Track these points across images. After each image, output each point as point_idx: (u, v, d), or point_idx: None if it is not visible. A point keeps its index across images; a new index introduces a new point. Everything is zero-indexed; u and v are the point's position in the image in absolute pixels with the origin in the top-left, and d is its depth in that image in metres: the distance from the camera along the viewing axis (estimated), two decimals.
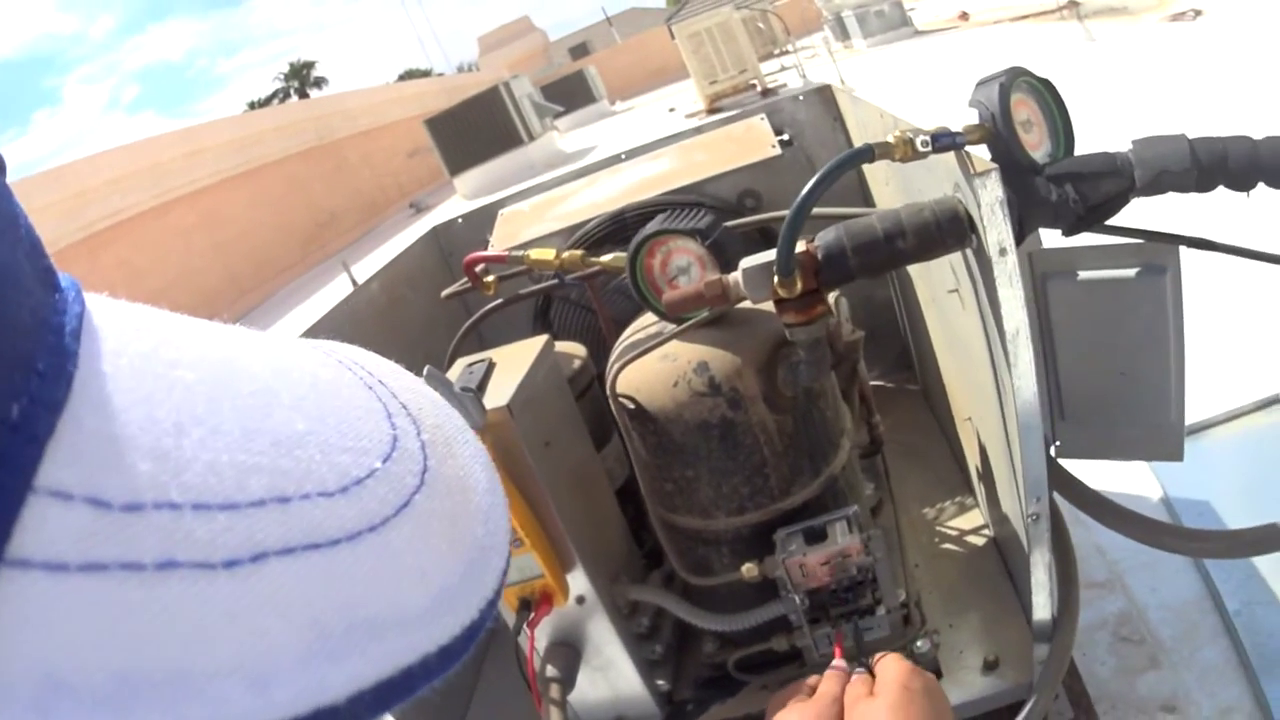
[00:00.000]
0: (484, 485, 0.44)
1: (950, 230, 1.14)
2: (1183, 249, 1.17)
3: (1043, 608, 1.32)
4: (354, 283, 2.13)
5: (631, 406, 1.47)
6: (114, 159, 15.52)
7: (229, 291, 15.44)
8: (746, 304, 1.36)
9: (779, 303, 1.25)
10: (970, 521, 1.86)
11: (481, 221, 2.55)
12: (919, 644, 1.51)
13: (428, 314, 2.32)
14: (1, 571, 0.26)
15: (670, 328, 1.49)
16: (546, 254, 1.74)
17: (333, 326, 1.93)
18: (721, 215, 1.57)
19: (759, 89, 14.48)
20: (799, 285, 1.20)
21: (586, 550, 1.50)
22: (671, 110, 17.10)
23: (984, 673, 1.50)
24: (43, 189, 13.66)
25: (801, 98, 2.41)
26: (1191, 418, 2.41)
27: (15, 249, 0.30)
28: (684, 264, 1.49)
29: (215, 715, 0.28)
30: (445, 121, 17.22)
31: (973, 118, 1.18)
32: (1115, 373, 1.27)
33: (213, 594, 0.29)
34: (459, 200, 16.46)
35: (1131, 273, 1.19)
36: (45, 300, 0.31)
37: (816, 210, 1.20)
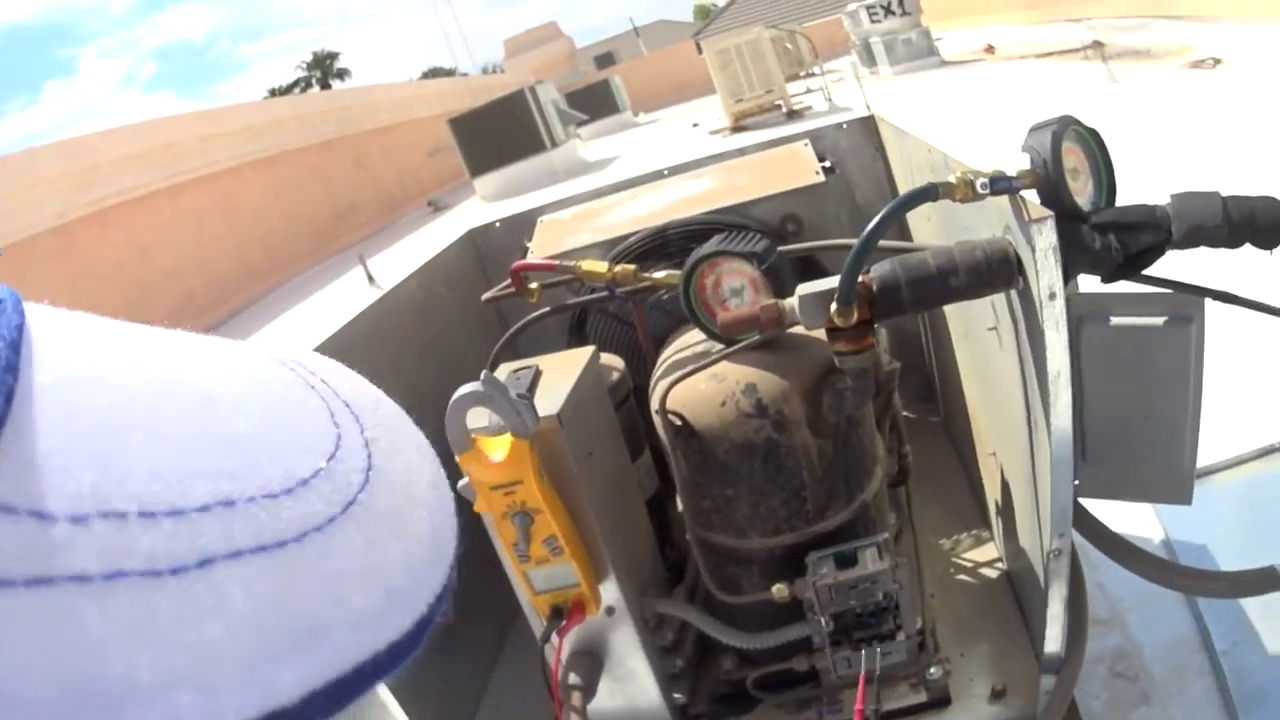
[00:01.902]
0: (429, 480, 0.43)
1: (1000, 271, 1.17)
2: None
3: (1054, 640, 1.36)
4: (370, 277, 2.17)
5: (678, 423, 1.49)
6: (128, 135, 15.32)
7: (240, 276, 15.35)
8: (796, 329, 1.37)
9: (831, 331, 1.28)
10: (985, 554, 1.90)
11: (519, 227, 2.57)
12: (932, 671, 1.55)
13: (460, 316, 2.34)
14: None
15: (718, 347, 1.51)
16: (599, 266, 1.75)
17: (370, 321, 1.95)
18: (775, 240, 1.59)
19: (784, 109, 14.44)
20: (855, 315, 1.22)
21: (619, 561, 1.52)
22: (695, 125, 16.97)
23: (991, 701, 1.54)
24: (53, 160, 13.47)
25: (845, 125, 2.43)
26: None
27: None
28: (737, 286, 1.51)
29: None
30: (469, 122, 17.11)
31: (1001, 155, 1.21)
32: (1136, 417, 1.30)
33: (161, 602, 0.29)
34: (478, 202, 16.32)
35: (1159, 321, 1.23)
36: None
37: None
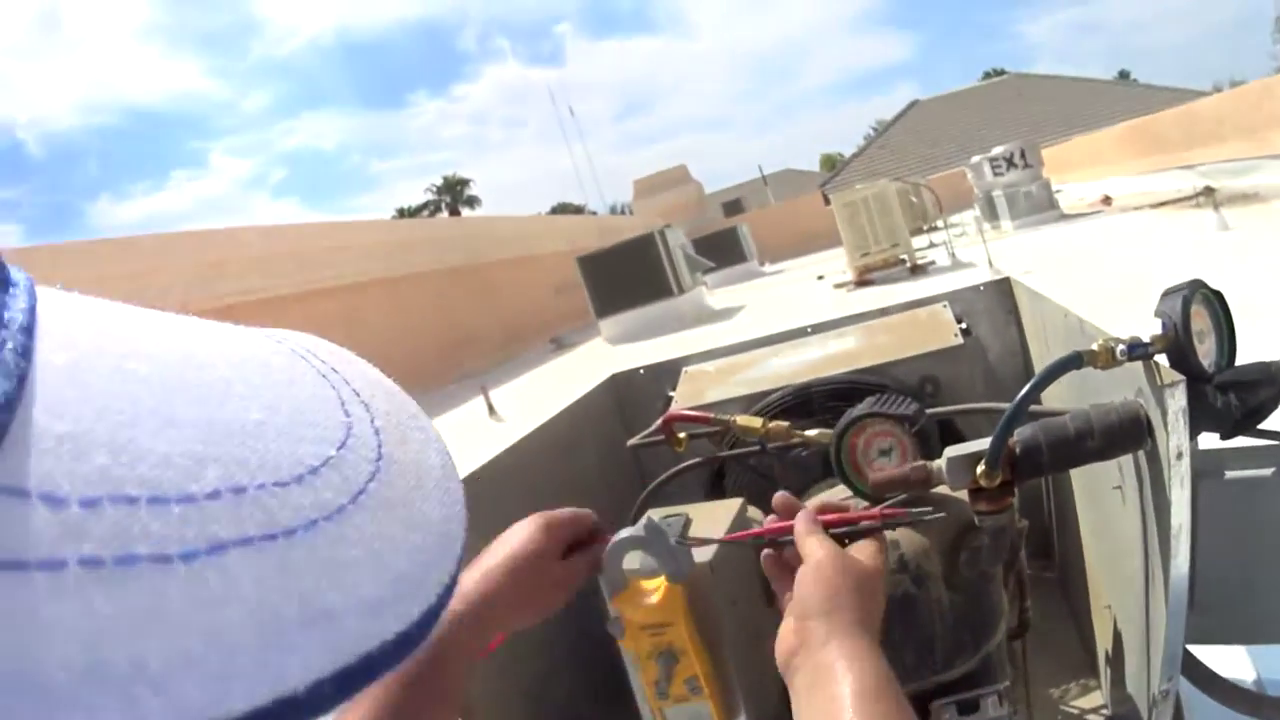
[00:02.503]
0: (438, 471, 0.44)
1: (1132, 433, 1.22)
2: None
3: None
4: (490, 408, 2.22)
5: None
6: (257, 236, 15.70)
7: None
8: (939, 488, 1.42)
9: (974, 491, 1.33)
10: (1091, 702, 1.95)
11: (660, 375, 2.64)
12: None
13: (598, 461, 2.41)
14: None
15: (861, 505, 1.55)
16: (753, 422, 1.81)
17: (514, 459, 2.02)
18: (923, 403, 1.64)
19: (908, 264, 14.46)
20: (999, 478, 1.28)
21: (750, 704, 1.55)
22: (820, 278, 17.05)
23: None
24: (182, 249, 13.86)
25: (981, 288, 2.48)
26: None
27: None
28: (886, 446, 1.56)
29: (175, 710, 0.28)
30: (598, 261, 17.39)
31: (1129, 312, 1.26)
32: (1248, 565, 1.35)
33: (171, 587, 0.29)
34: (601, 342, 16.47)
35: (1268, 472, 1.29)
36: None
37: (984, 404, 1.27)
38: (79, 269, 11.66)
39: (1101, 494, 1.62)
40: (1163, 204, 14.09)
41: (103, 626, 0.27)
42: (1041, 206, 17.43)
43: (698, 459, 1.99)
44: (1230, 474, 1.31)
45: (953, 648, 1.55)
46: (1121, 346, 1.21)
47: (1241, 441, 1.28)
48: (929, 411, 1.60)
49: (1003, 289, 2.46)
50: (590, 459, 2.39)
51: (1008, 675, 1.72)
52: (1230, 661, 2.34)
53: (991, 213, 18.06)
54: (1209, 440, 1.26)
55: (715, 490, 2.23)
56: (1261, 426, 1.24)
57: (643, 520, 1.39)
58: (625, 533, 1.40)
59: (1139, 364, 1.22)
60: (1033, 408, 1.36)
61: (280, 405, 0.37)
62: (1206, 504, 1.29)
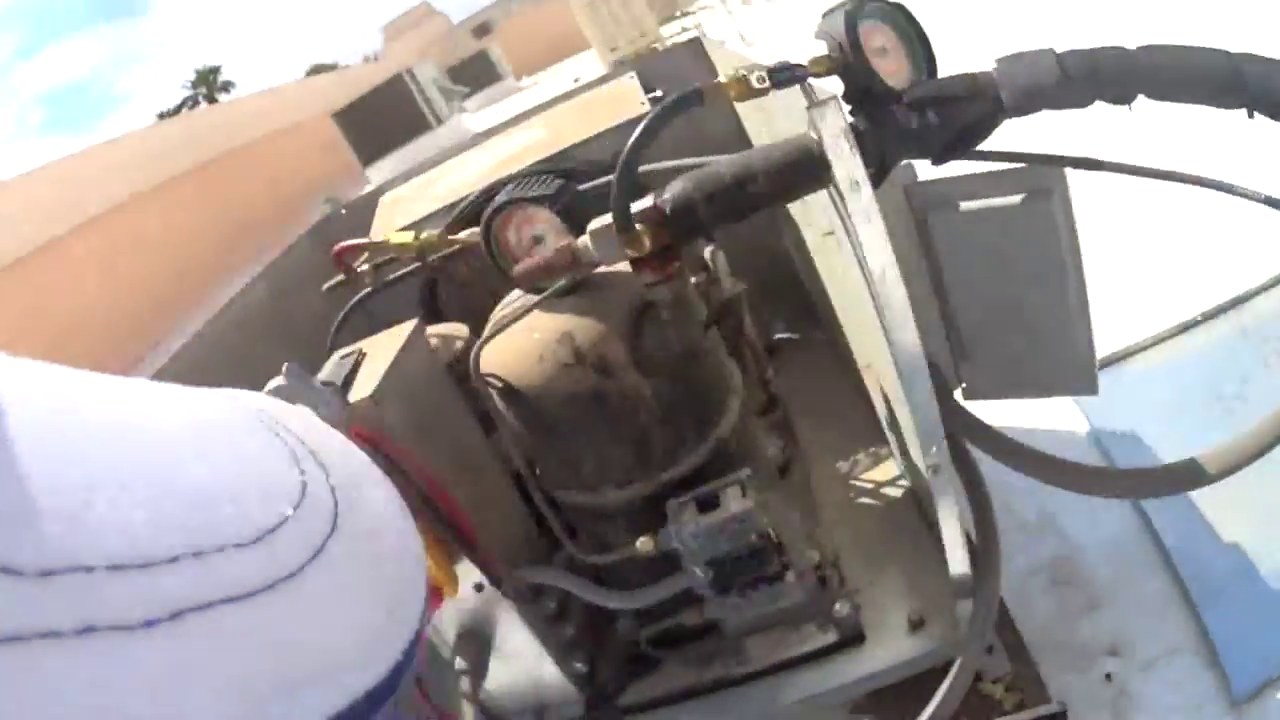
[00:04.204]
0: (396, 526, 0.43)
1: (804, 168, 1.08)
2: (1071, 171, 1.12)
3: (959, 562, 1.25)
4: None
5: (499, 384, 1.42)
6: (25, 185, 15.29)
7: (149, 311, 15.22)
8: (609, 269, 1.30)
9: (634, 263, 1.20)
10: (885, 473, 1.82)
11: (366, 210, 2.50)
12: (838, 607, 1.47)
13: (318, 311, 2.27)
14: None
15: (532, 300, 1.44)
16: (404, 238, 1.70)
17: (222, 328, 1.91)
18: (570, 180, 1.51)
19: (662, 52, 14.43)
20: (647, 242, 1.15)
21: (481, 537, 1.45)
22: (576, 80, 17.01)
23: (910, 633, 1.46)
24: None
25: (670, 50, 2.38)
26: (1111, 347, 2.37)
27: None
28: (539, 233, 1.44)
29: None
30: (353, 113, 17.30)
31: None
32: (1014, 306, 1.23)
33: (133, 656, 0.28)
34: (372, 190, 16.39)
35: (1016, 200, 1.14)
36: None
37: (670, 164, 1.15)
38: None
39: (822, 244, 1.50)
40: None
41: (63, 699, 0.26)
42: None
43: (366, 290, 1.87)
44: (966, 205, 1.17)
45: (673, 440, 1.44)
46: (759, 73, 1.08)
47: (983, 168, 1.15)
48: (581, 188, 1.48)
49: (696, 49, 2.35)
50: (305, 312, 2.24)
51: (763, 460, 1.63)
52: (1061, 418, 2.32)
53: None
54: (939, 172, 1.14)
55: (431, 311, 2.09)
56: (984, 148, 1.11)
57: (284, 366, 1.25)
58: (270, 384, 1.27)
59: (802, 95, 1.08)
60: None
61: (235, 467, 0.37)
62: (950, 241, 1.18)
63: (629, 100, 2.21)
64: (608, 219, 1.19)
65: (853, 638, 1.48)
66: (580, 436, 1.43)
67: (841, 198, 1.05)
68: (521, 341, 1.40)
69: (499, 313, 1.54)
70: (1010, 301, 1.23)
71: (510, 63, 26.06)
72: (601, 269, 1.30)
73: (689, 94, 1.09)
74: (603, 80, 2.60)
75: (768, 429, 1.87)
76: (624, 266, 1.23)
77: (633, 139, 1.10)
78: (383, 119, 16.94)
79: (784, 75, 1.08)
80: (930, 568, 1.53)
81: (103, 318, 14.18)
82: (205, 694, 0.30)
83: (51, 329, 13.01)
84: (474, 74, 23.13)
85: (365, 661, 0.36)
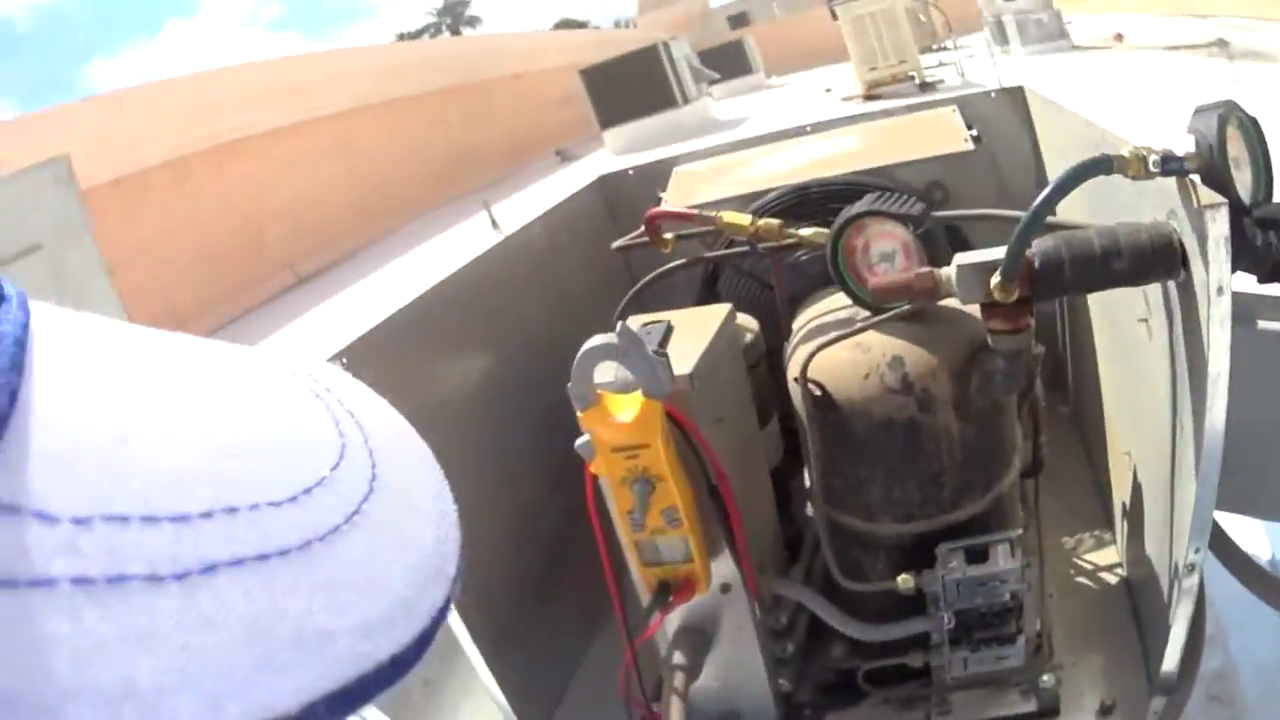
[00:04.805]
0: (432, 492, 0.43)
1: (1163, 258, 1.09)
2: None
3: (1172, 661, 1.27)
4: (494, 223, 2.10)
5: (817, 394, 1.40)
6: (250, 73, 15.77)
7: (355, 219, 15.58)
8: (949, 302, 1.28)
9: (988, 307, 1.20)
10: (1105, 558, 1.81)
11: (652, 177, 2.50)
12: (1045, 679, 1.45)
13: (585, 264, 2.28)
14: None
15: (863, 314, 1.42)
16: (741, 219, 1.66)
17: (491, 264, 1.91)
18: (931, 205, 1.49)
19: (917, 81, 14.35)
20: (1015, 292, 1.14)
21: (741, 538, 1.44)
22: (828, 91, 17.05)
23: (1099, 716, 1.46)
24: (171, 95, 13.92)
25: (993, 95, 2.35)
26: None
27: None
28: (889, 250, 1.42)
29: None
30: (601, 73, 17.43)
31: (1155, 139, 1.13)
32: (1274, 428, 1.23)
33: (163, 607, 0.28)
34: (606, 154, 16.50)
35: None
36: None
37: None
38: (69, 131, 11.47)
39: (1124, 326, 1.48)
40: (1175, 48, 13.90)
41: (93, 645, 0.27)
42: (1052, 35, 17.36)
43: (683, 260, 1.85)
44: (1263, 324, 1.18)
45: (962, 485, 1.43)
46: (1155, 157, 1.08)
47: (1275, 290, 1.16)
48: (935, 215, 1.45)
49: (1016, 98, 2.32)
50: (576, 262, 2.26)
51: (1021, 522, 1.60)
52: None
53: (1001, 37, 17.91)
54: (1239, 284, 1.10)
55: (710, 294, 2.09)
56: None
57: (618, 325, 1.24)
58: (596, 340, 1.25)
59: (1171, 183, 1.09)
60: (1050, 221, 1.22)
61: (273, 424, 0.37)
62: (1235, 355, 1.17)
63: (953, 133, 2.17)
64: (978, 256, 1.18)
65: (1049, 710, 1.48)
66: (880, 464, 1.42)
67: (1186, 297, 1.08)
68: (850, 356, 1.38)
69: (813, 320, 1.52)
70: (1273, 423, 1.24)
71: (762, 59, 26.07)
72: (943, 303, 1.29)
73: (1100, 160, 1.11)
74: (865, 98, 2.59)
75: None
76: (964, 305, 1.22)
77: (1045, 193, 1.11)
78: (629, 86, 16.99)
79: (1173, 166, 1.08)
80: (1127, 660, 1.54)
81: (300, 218, 14.58)
82: (234, 648, 0.29)
83: (249, 222, 13.44)
84: (725, 61, 23.18)
85: (393, 627, 0.35)
